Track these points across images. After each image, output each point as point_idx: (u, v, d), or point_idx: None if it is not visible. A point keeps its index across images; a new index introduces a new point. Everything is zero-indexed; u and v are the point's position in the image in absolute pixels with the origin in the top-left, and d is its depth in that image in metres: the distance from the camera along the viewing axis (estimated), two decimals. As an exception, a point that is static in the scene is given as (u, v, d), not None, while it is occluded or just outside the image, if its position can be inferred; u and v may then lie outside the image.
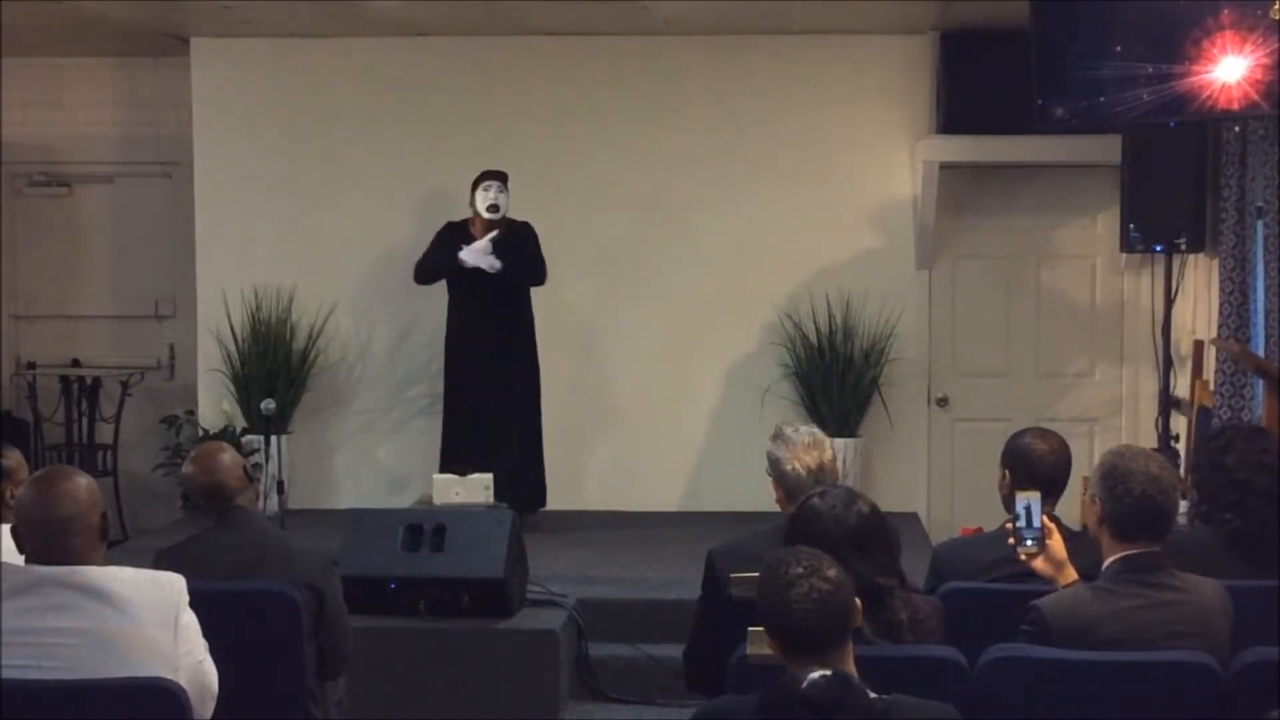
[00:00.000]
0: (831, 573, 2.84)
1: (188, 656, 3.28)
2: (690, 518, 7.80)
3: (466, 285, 7.45)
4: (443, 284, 7.55)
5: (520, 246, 7.43)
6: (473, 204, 7.42)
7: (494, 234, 7.34)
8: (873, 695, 2.67)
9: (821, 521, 3.31)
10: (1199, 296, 7.47)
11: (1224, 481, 4.04)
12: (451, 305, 7.55)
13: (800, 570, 2.82)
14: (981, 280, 8.18)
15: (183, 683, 3.22)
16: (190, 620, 3.32)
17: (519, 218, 7.48)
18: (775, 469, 4.08)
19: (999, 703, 3.23)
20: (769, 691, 2.67)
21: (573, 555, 6.95)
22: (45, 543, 3.24)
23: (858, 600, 2.90)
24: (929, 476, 8.19)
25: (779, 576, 2.83)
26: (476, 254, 7.34)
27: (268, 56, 8.25)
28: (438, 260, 7.46)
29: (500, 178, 7.41)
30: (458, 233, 7.49)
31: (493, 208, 7.35)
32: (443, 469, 7.33)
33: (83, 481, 3.31)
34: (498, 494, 7.04)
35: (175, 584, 3.31)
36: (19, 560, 3.32)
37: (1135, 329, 8.04)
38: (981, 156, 7.80)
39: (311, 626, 4.19)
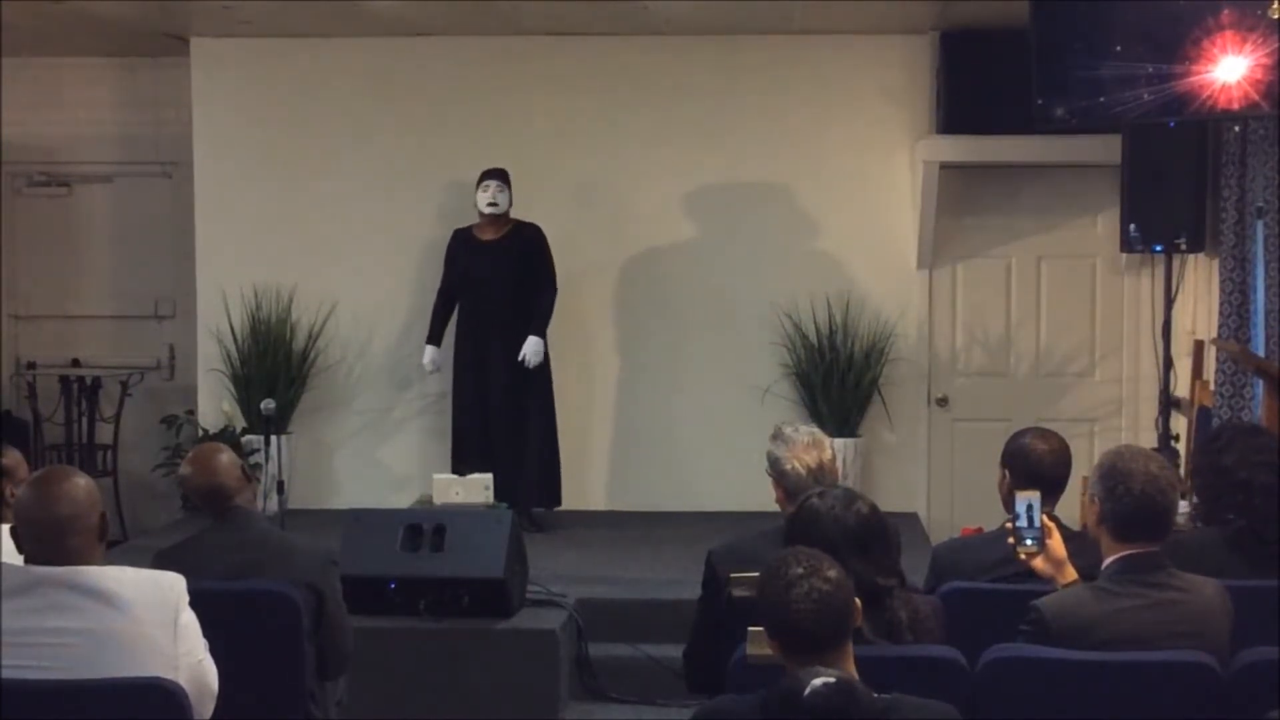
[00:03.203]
0: (832, 573, 2.84)
1: (187, 656, 3.28)
2: (690, 518, 7.80)
3: (474, 296, 7.53)
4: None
5: (530, 254, 7.50)
6: (476, 203, 7.49)
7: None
8: (874, 695, 2.66)
9: (821, 522, 3.31)
10: (1199, 296, 7.47)
11: (1226, 483, 4.03)
12: (460, 316, 7.61)
13: (800, 570, 2.82)
14: (981, 280, 8.18)
15: (182, 682, 3.22)
16: (190, 620, 3.32)
17: (526, 219, 7.56)
18: (775, 469, 4.08)
19: (999, 703, 3.22)
20: (770, 692, 2.67)
21: (573, 555, 6.95)
22: (44, 543, 3.24)
23: (858, 600, 2.90)
24: (929, 476, 8.19)
25: (779, 576, 2.83)
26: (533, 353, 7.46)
27: (268, 56, 8.25)
28: (446, 288, 7.67)
29: (499, 176, 7.52)
30: (464, 240, 7.60)
31: (491, 204, 7.47)
32: (454, 468, 7.36)
33: (81, 482, 3.31)
34: (508, 495, 7.07)
35: (175, 584, 3.31)
36: (19, 560, 3.32)
37: (1135, 329, 8.05)
38: (981, 156, 7.80)
39: (311, 626, 4.19)
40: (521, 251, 7.50)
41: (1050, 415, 7.66)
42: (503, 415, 7.47)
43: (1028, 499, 3.62)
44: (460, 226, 7.68)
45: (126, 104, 8.95)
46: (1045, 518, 3.62)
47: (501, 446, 7.41)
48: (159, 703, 3.15)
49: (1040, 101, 6.00)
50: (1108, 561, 3.41)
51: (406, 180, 8.22)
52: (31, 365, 9.03)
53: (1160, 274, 7.32)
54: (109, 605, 3.19)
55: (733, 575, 3.52)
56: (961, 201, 8.09)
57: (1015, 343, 8.20)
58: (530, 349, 7.42)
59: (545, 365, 7.55)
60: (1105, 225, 7.99)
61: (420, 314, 8.16)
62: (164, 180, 8.95)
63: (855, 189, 8.12)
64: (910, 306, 8.10)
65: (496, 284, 7.48)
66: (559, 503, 7.64)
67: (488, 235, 7.55)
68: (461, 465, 7.35)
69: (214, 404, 8.24)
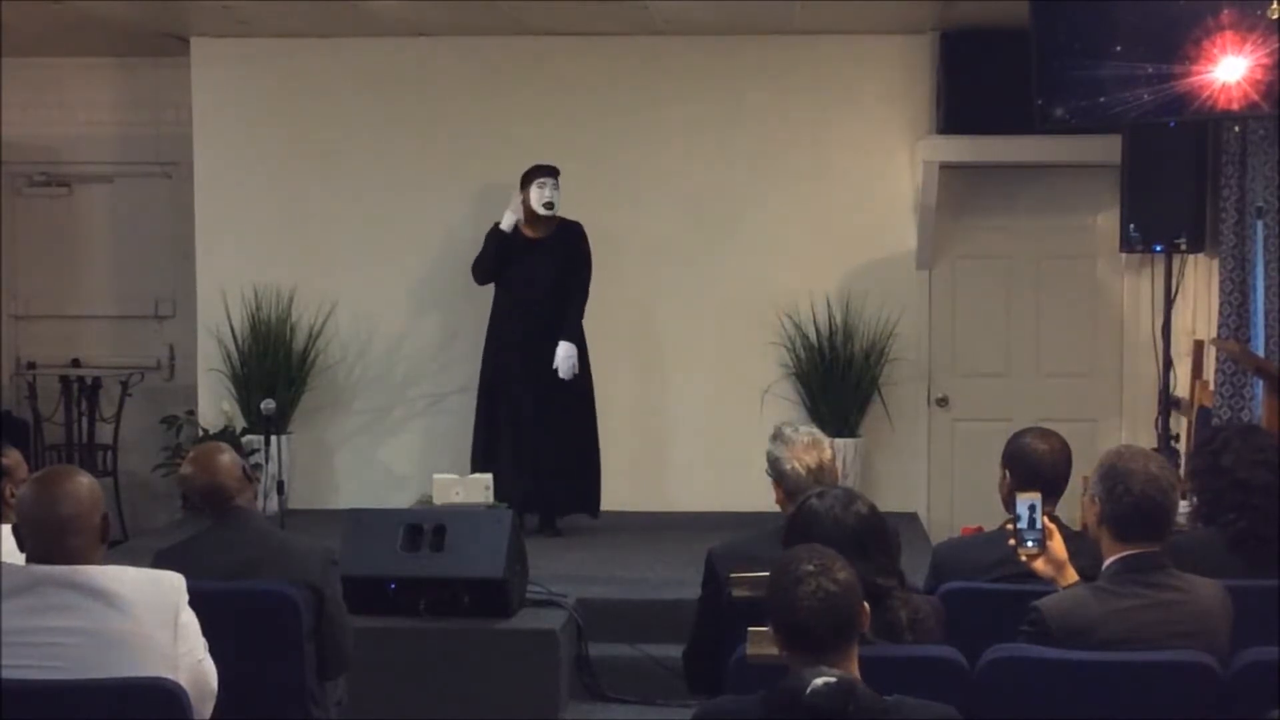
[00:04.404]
0: (842, 575, 2.81)
1: (187, 656, 3.28)
2: (690, 518, 7.80)
3: (516, 294, 7.42)
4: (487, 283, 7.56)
5: (574, 254, 7.43)
6: (526, 200, 7.39)
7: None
8: (876, 696, 2.66)
9: (820, 522, 3.31)
10: (1199, 296, 7.47)
11: (1225, 483, 4.04)
12: (498, 312, 7.52)
13: (810, 568, 2.80)
14: (981, 280, 8.18)
15: (182, 682, 3.22)
16: (190, 620, 3.32)
17: (570, 216, 7.51)
18: (775, 469, 4.08)
19: (999, 703, 3.22)
20: (771, 692, 2.66)
21: (573, 555, 6.95)
22: (45, 542, 3.24)
23: (866, 605, 2.88)
24: (929, 476, 8.19)
25: (789, 572, 2.81)
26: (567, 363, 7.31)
27: (268, 56, 8.25)
28: (491, 253, 7.43)
29: (554, 174, 7.39)
30: (507, 234, 7.47)
31: (548, 205, 7.35)
32: (474, 468, 7.33)
33: (85, 481, 3.32)
34: (540, 497, 7.05)
35: (175, 583, 3.31)
36: (19, 560, 3.32)
37: (1135, 329, 8.04)
38: (981, 156, 7.80)
39: (311, 626, 4.19)
40: (566, 250, 7.41)
41: (1050, 415, 7.62)
42: (540, 419, 7.37)
43: (1029, 500, 3.61)
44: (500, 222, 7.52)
45: (126, 104, 8.95)
46: (1046, 519, 3.62)
47: (535, 451, 7.33)
48: (159, 703, 3.15)
49: (1040, 101, 6.00)
50: (1108, 561, 3.41)
51: (406, 180, 8.21)
52: (31, 365, 9.03)
53: (1160, 274, 7.32)
54: (109, 605, 3.19)
55: (733, 575, 3.52)
56: (961, 201, 8.09)
57: (1015, 343, 8.20)
58: (563, 355, 7.29)
59: (586, 368, 7.49)
60: (1105, 225, 7.99)
61: (420, 314, 8.19)
62: (164, 180, 8.95)
63: (855, 189, 8.12)
64: (910, 306, 8.10)
65: (540, 283, 7.36)
66: (597, 512, 7.56)
67: (534, 232, 7.42)
68: (488, 464, 7.27)
69: (214, 404, 8.24)
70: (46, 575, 3.22)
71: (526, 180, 7.39)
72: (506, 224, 7.38)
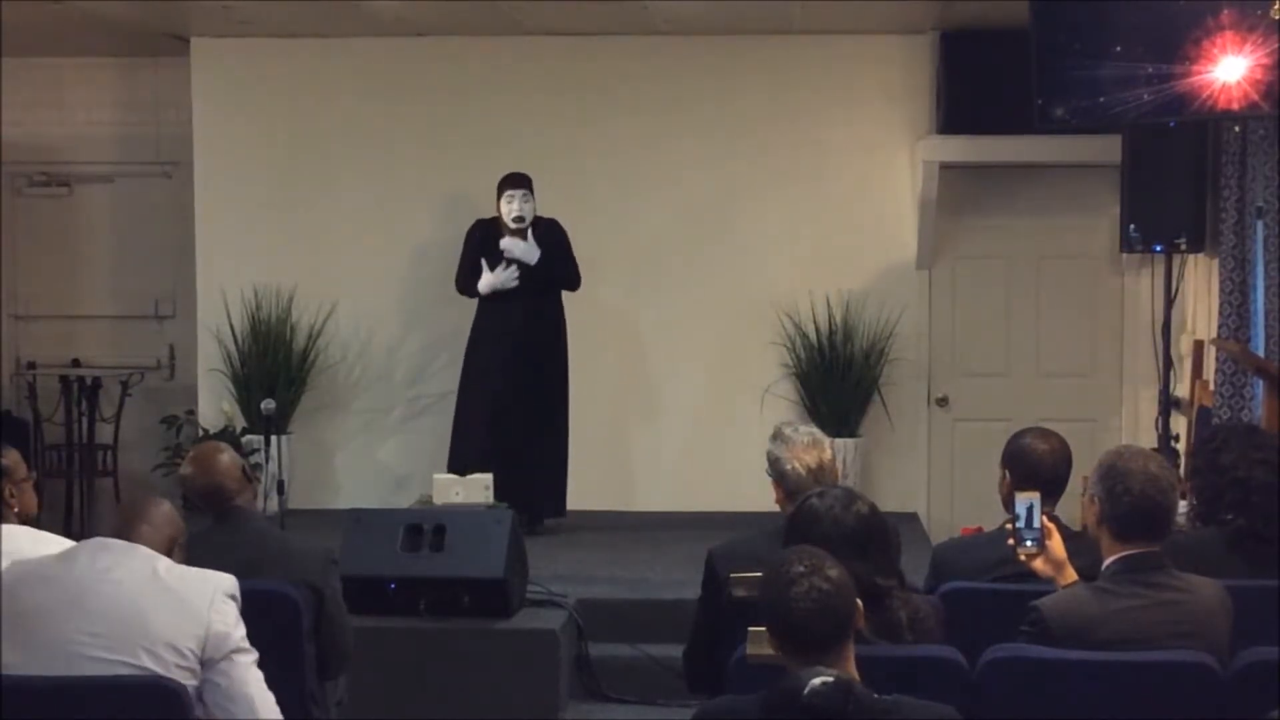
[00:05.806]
0: (833, 573, 2.83)
1: (221, 625, 3.28)
2: (690, 518, 7.80)
3: (494, 296, 7.40)
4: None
5: (551, 254, 7.41)
6: (498, 209, 7.42)
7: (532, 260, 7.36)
8: (875, 696, 2.66)
9: (820, 522, 3.31)
10: (1199, 296, 7.47)
11: (1225, 481, 4.05)
12: (479, 315, 7.51)
13: (802, 569, 2.82)
14: (981, 280, 8.18)
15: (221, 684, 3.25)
16: (233, 610, 3.34)
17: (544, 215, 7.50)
18: (775, 469, 4.08)
19: (999, 703, 3.22)
20: (770, 693, 2.67)
21: (573, 555, 6.95)
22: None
23: (860, 602, 2.89)
24: (929, 476, 8.20)
25: (781, 574, 2.83)
26: (522, 249, 7.33)
27: (268, 56, 8.26)
28: (473, 268, 7.44)
29: (524, 184, 7.38)
30: (489, 231, 7.47)
31: (518, 219, 7.35)
32: (451, 467, 7.32)
33: (165, 505, 3.44)
34: (513, 498, 7.06)
35: (225, 585, 3.37)
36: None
37: (1135, 329, 8.04)
38: (981, 156, 7.81)
39: (311, 626, 4.19)
40: (543, 247, 7.39)
41: (1050, 415, 7.62)
42: (518, 421, 7.36)
43: (1028, 500, 3.62)
44: (483, 217, 7.53)
45: (126, 104, 8.95)
46: (1045, 519, 3.63)
47: (513, 451, 7.31)
48: (160, 702, 3.15)
49: (1040, 101, 6.00)
50: (1108, 561, 3.41)
51: (406, 180, 8.22)
52: (31, 365, 9.03)
53: (1160, 274, 7.32)
54: (154, 577, 3.25)
55: (733, 575, 3.52)
56: (961, 201, 8.09)
57: (1015, 343, 8.20)
58: (523, 246, 7.33)
59: (564, 374, 7.49)
60: (1105, 225, 7.98)
61: (420, 314, 8.18)
62: (164, 180, 8.95)
63: (855, 189, 8.12)
64: (910, 306, 8.10)
65: (520, 280, 7.36)
66: (564, 513, 7.58)
67: (511, 233, 7.42)
68: (460, 467, 7.28)
69: (214, 404, 8.24)
70: (109, 542, 3.29)
71: (498, 191, 7.41)
72: (484, 286, 7.40)
